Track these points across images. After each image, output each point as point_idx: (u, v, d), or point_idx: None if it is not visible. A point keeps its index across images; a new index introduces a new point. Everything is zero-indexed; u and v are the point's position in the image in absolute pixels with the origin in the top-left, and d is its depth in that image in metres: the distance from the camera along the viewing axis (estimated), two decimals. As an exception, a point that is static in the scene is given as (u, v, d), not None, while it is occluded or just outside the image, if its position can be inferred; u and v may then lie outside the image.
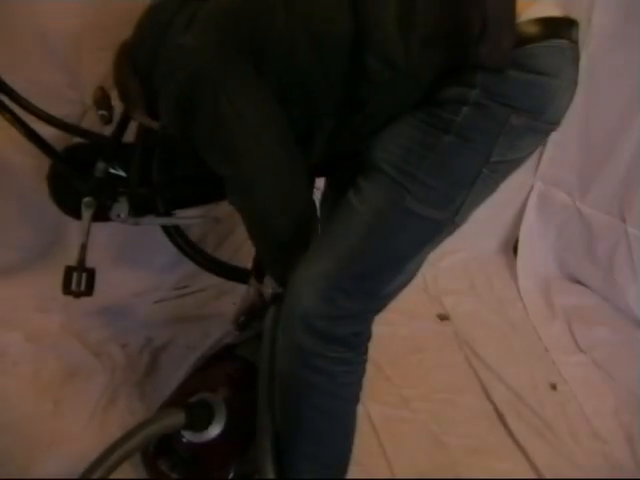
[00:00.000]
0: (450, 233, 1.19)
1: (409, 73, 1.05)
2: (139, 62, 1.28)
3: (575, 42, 1.10)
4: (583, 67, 2.39)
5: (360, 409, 1.67)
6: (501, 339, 2.25)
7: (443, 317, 2.33)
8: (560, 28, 1.08)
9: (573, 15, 2.30)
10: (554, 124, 1.13)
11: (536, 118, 1.07)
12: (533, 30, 1.03)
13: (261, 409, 1.33)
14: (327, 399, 1.23)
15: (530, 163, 2.68)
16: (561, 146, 2.63)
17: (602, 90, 2.48)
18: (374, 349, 1.93)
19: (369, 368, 1.86)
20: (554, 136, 2.54)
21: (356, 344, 1.22)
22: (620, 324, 2.45)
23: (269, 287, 1.49)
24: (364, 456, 1.58)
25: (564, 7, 2.29)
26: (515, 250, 2.78)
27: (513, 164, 1.15)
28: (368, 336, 1.26)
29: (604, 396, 2.03)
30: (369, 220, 1.13)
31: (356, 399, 1.30)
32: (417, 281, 2.41)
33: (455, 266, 2.67)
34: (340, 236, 1.17)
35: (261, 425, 1.31)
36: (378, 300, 1.23)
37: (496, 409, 1.90)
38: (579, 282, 2.72)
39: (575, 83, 1.13)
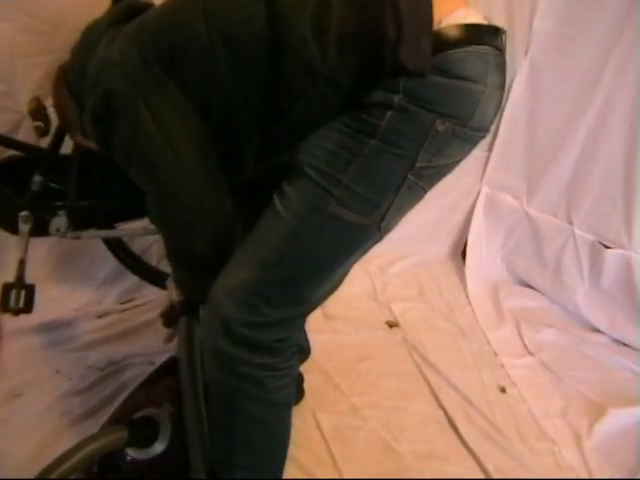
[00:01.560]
0: (377, 240, 1.19)
1: (327, 78, 1.07)
2: (73, 84, 1.30)
3: (499, 49, 1.11)
4: (526, 72, 2.53)
5: (309, 418, 1.70)
6: (450, 344, 2.30)
7: (392, 324, 2.36)
8: (483, 35, 1.08)
9: (515, 21, 2.41)
10: (481, 131, 1.13)
11: (462, 124, 1.08)
12: (455, 35, 1.04)
13: (189, 421, 1.33)
14: (256, 406, 1.23)
15: (477, 168, 2.76)
16: (507, 150, 2.71)
17: (546, 94, 2.56)
18: (323, 358, 1.97)
19: (318, 377, 1.90)
20: (500, 141, 2.68)
21: (281, 350, 1.21)
22: (568, 326, 2.52)
23: (173, 294, 1.51)
24: (314, 466, 1.61)
25: (506, 13, 2.40)
26: (464, 255, 2.83)
27: (440, 170, 1.15)
28: (294, 341, 1.24)
29: (552, 397, 2.09)
30: (293, 225, 1.12)
31: (287, 404, 1.30)
32: (366, 288, 2.51)
33: (404, 272, 2.72)
34: (263, 242, 1.17)
35: (191, 441, 1.32)
36: (302, 307, 1.22)
37: (446, 414, 1.93)
38: (527, 285, 2.79)
39: (501, 89, 1.14)
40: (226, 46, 1.10)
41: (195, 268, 1.31)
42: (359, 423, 1.83)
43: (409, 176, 1.09)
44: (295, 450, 1.55)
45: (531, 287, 2.77)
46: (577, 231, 2.56)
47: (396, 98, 1.04)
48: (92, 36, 1.27)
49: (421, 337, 2.29)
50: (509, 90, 2.60)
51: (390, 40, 1.01)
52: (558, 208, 2.62)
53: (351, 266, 1.26)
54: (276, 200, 1.16)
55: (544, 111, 2.58)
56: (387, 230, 1.17)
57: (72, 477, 1.23)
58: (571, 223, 2.58)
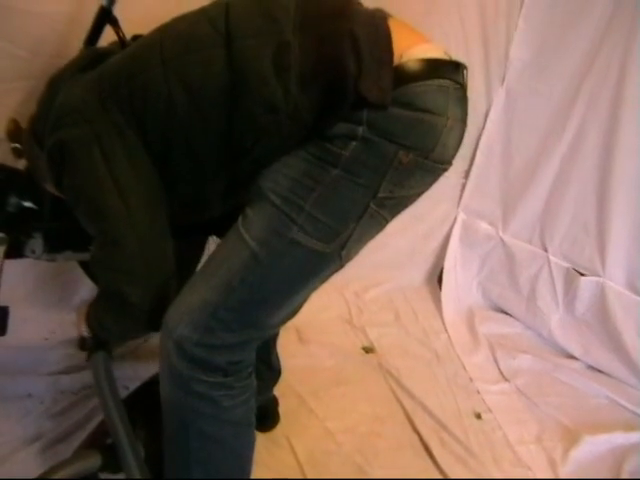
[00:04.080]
0: (338, 268, 1.20)
1: (289, 115, 1.10)
2: (39, 132, 1.33)
3: (460, 84, 1.13)
4: (502, 100, 2.60)
5: (283, 442, 1.71)
6: (426, 369, 2.33)
7: (368, 349, 2.39)
8: (443, 69, 1.11)
9: (491, 50, 2.48)
10: (443, 163, 1.16)
11: (424, 156, 1.10)
12: (416, 69, 1.08)
13: (123, 454, 1.31)
14: (212, 424, 1.22)
15: (453, 195, 2.82)
16: (483, 178, 2.78)
17: (521, 121, 2.65)
18: (297, 382, 1.99)
19: (292, 401, 1.91)
20: (476, 168, 2.75)
21: (234, 371, 1.21)
22: (543, 352, 2.58)
23: (82, 327, 1.51)
24: (288, 490, 1.61)
25: (483, 42, 2.48)
26: (440, 281, 2.88)
27: (402, 201, 1.17)
28: (248, 363, 1.24)
29: (527, 423, 2.13)
30: (254, 249, 1.13)
31: (246, 423, 1.28)
32: (341, 313, 2.54)
33: (380, 298, 2.75)
34: (223, 264, 1.18)
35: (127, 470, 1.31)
36: (258, 331, 1.23)
37: (421, 439, 1.95)
38: (503, 311, 2.85)
39: (463, 122, 1.17)
40: (185, 91, 1.14)
41: (122, 316, 1.31)
42: (333, 448, 1.85)
43: (371, 205, 1.12)
44: (268, 474, 1.57)
45: (506, 313, 2.83)
46: (552, 258, 2.63)
47: (360, 129, 1.07)
48: (56, 86, 1.32)
49: (396, 362, 2.32)
50: (486, 117, 2.68)
51: (351, 74, 1.05)
52: (533, 235, 2.69)
53: (311, 292, 1.26)
54: (239, 223, 1.17)
55: (519, 138, 2.67)
56: (348, 258, 1.19)
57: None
58: (546, 250, 2.65)
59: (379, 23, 1.12)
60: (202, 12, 1.21)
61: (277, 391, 1.83)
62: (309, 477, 1.70)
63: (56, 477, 1.27)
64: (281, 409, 1.86)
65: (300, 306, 1.33)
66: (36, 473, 1.29)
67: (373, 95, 1.05)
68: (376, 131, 1.07)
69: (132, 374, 1.85)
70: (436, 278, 2.94)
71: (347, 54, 1.06)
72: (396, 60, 1.07)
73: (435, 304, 2.80)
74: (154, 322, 1.25)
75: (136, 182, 1.21)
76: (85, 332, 1.51)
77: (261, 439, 1.36)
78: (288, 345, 1.87)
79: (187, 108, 1.15)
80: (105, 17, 1.59)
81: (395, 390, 2.16)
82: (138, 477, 1.28)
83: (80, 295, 2.12)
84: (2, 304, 1.67)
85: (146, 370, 1.76)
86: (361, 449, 1.86)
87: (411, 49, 1.09)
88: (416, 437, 1.96)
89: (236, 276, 1.14)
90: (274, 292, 1.18)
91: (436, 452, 1.89)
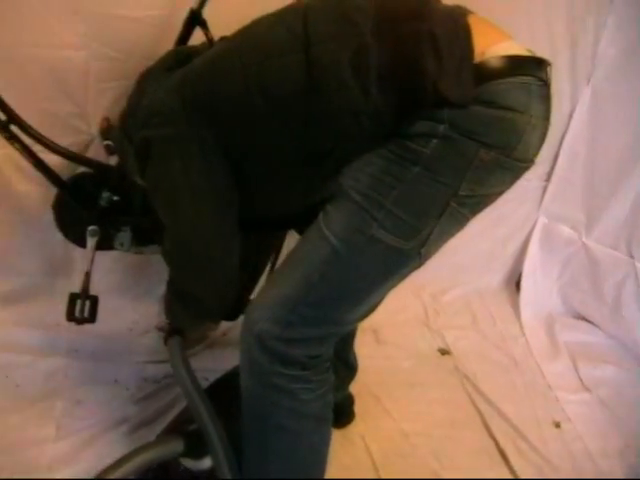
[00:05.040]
0: (417, 266, 1.21)
1: (370, 117, 1.11)
2: (128, 128, 1.42)
3: (544, 81, 1.12)
4: (588, 101, 2.53)
5: (358, 441, 1.72)
6: (503, 375, 2.29)
7: (444, 352, 2.38)
8: (526, 66, 1.11)
9: (579, 47, 2.42)
10: (525, 162, 1.16)
11: (505, 154, 1.10)
12: (497, 66, 1.08)
13: (209, 437, 1.38)
14: (290, 417, 1.26)
15: (534, 198, 2.77)
16: (566, 180, 2.70)
17: (608, 123, 2.55)
18: (373, 382, 2.00)
19: (368, 401, 1.92)
20: (559, 170, 2.69)
21: (313, 365, 1.24)
22: (627, 362, 2.48)
23: (162, 316, 1.62)
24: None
25: (569, 41, 2.42)
26: (518, 285, 2.83)
27: (483, 199, 1.18)
28: (326, 358, 1.28)
29: (610, 436, 2.05)
30: (335, 245, 1.15)
31: (323, 417, 1.31)
32: (418, 315, 2.53)
33: (457, 300, 2.73)
34: (304, 259, 1.21)
35: (214, 454, 1.37)
36: (337, 327, 1.26)
37: (497, 445, 1.92)
38: (584, 319, 2.76)
39: (546, 120, 1.16)
40: (263, 96, 1.17)
41: (189, 306, 1.41)
42: (408, 450, 1.84)
43: (452, 203, 1.12)
44: (343, 471, 1.60)
45: (588, 321, 2.74)
46: (638, 265, 2.52)
47: (441, 127, 1.07)
48: (144, 83, 1.42)
49: (473, 366, 2.30)
50: (570, 118, 2.61)
51: (430, 74, 1.06)
52: (618, 241, 2.59)
53: (389, 290, 1.28)
54: (320, 220, 1.20)
55: (605, 140, 2.57)
56: (427, 256, 1.20)
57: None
58: (632, 256, 2.54)
59: (459, 20, 1.13)
60: (280, 16, 1.24)
61: (353, 390, 1.86)
62: (383, 478, 1.71)
63: (141, 458, 1.33)
64: (356, 408, 1.88)
65: (378, 303, 1.35)
66: (121, 454, 1.35)
67: (454, 94, 1.05)
68: (457, 129, 1.07)
69: (212, 366, 1.91)
70: (514, 282, 2.89)
71: (426, 55, 1.06)
72: (477, 57, 1.08)
73: (513, 308, 2.75)
74: (219, 313, 1.31)
75: (209, 185, 1.26)
76: (164, 320, 1.61)
77: (336, 436, 1.38)
78: (365, 346, 1.88)
79: (266, 113, 1.18)
80: (195, 19, 1.67)
81: (471, 394, 2.14)
82: (225, 463, 1.34)
83: (163, 289, 2.19)
84: (92, 293, 1.78)
85: (225, 363, 1.81)
86: (436, 453, 1.85)
87: (493, 46, 1.09)
88: (492, 443, 1.93)
89: (316, 272, 1.17)
90: (353, 288, 1.20)
91: (513, 460, 1.86)
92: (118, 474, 1.30)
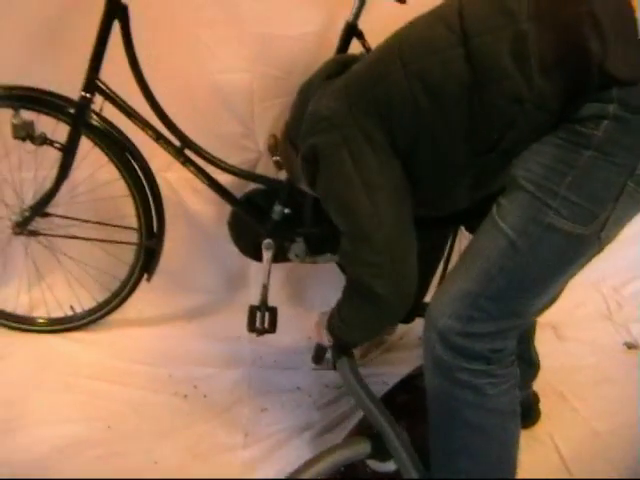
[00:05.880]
0: (596, 252, 1.20)
1: (535, 104, 1.12)
2: (293, 138, 1.51)
3: None
4: None
5: (547, 440, 1.70)
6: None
7: (631, 345, 2.26)
8: None
9: None
10: None
11: None
12: None
13: (393, 449, 1.41)
14: (476, 413, 1.27)
15: None
16: None
17: None
18: (557, 380, 1.96)
19: (553, 399, 1.89)
20: None
21: (497, 359, 1.25)
22: None
23: (324, 338, 1.64)
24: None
25: None
26: None
27: None
28: (510, 351, 1.28)
29: None
30: (511, 237, 1.16)
31: (510, 412, 1.31)
32: (599, 308, 2.45)
33: (640, 292, 2.60)
34: (481, 254, 1.22)
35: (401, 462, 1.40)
36: (519, 319, 1.26)
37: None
38: None
39: None
40: (426, 92, 1.20)
41: (368, 307, 1.40)
42: (600, 450, 1.77)
43: (629, 184, 1.10)
44: (532, 471, 1.57)
45: None
46: None
47: (611, 108, 1.05)
48: (306, 93, 1.48)
49: (665, 360, 2.17)
50: None
51: (595, 55, 1.04)
52: None
53: (569, 279, 1.27)
54: (494, 213, 1.21)
55: None
56: (607, 241, 1.18)
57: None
58: None
59: None
60: (435, 14, 1.27)
61: (536, 389, 1.83)
62: (576, 478, 1.67)
63: (331, 458, 1.40)
64: (542, 407, 1.85)
65: (558, 294, 1.34)
66: (307, 458, 1.43)
67: (622, 73, 1.04)
68: (628, 107, 1.05)
69: (390, 371, 1.97)
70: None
71: (589, 37, 1.05)
72: None
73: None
74: (401, 313, 1.35)
75: (383, 181, 1.30)
76: (326, 341, 1.65)
77: (523, 436, 1.36)
78: (545, 343, 1.84)
79: (430, 109, 1.21)
80: (351, 31, 1.75)
81: (663, 390, 2.03)
82: (409, 463, 1.38)
83: (338, 297, 2.28)
84: (271, 305, 1.91)
85: (403, 367, 1.86)
86: (632, 454, 1.77)
87: None
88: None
89: (495, 265, 1.18)
90: (533, 279, 1.20)
91: None
92: (310, 474, 1.37)
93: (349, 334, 1.57)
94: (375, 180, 1.29)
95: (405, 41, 1.29)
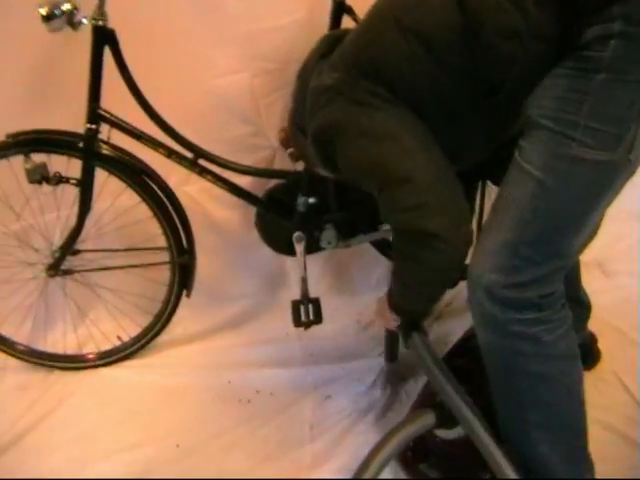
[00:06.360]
0: (629, 175, 1.19)
1: (534, 35, 1.12)
2: (300, 122, 1.53)
3: None
4: None
5: (613, 380, 1.68)
6: None
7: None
8: None
9: None
10: None
11: None
12: None
13: (459, 409, 1.39)
14: (536, 362, 1.27)
15: None
16: None
17: None
18: (612, 316, 1.96)
19: (612, 336, 1.88)
20: None
21: (548, 304, 1.24)
22: None
23: (391, 323, 1.61)
24: (627, 427, 1.61)
25: None
26: None
27: None
28: (560, 294, 1.27)
29: None
30: (539, 177, 1.16)
31: (570, 355, 1.31)
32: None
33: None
34: (512, 201, 1.22)
35: (469, 426, 1.37)
36: (563, 259, 1.25)
37: None
38: None
39: None
40: (422, 43, 1.22)
41: (426, 256, 1.31)
42: None
43: None
44: (602, 413, 1.58)
45: None
46: None
47: (615, 25, 1.04)
48: (304, 77, 1.50)
49: None
50: None
51: None
52: None
53: (605, 209, 1.25)
54: (517, 157, 1.21)
55: None
56: (638, 162, 1.17)
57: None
58: None
59: None
60: None
61: (592, 329, 1.83)
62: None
63: (398, 438, 1.40)
64: (600, 346, 1.85)
65: (597, 227, 1.33)
66: (375, 440, 1.43)
67: None
68: (632, 22, 1.04)
69: (441, 339, 2.00)
70: None
71: None
72: None
73: None
74: (461, 252, 1.32)
75: (403, 129, 1.29)
76: (393, 323, 1.61)
77: (586, 378, 1.35)
78: (593, 281, 1.81)
79: (428, 59, 1.22)
80: (340, 8, 1.77)
81: None
82: (478, 426, 1.37)
83: (377, 275, 2.33)
84: (313, 296, 1.94)
85: (455, 332, 1.89)
86: None
87: None
88: None
89: (528, 209, 1.18)
90: (569, 215, 1.19)
91: None
92: (382, 456, 1.39)
93: (415, 299, 1.50)
94: (397, 129, 1.29)
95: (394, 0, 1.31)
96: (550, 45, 1.13)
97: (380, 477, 1.35)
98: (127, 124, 1.80)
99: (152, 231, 2.04)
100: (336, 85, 1.34)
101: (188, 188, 2.17)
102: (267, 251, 2.06)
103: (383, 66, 1.28)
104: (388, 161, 1.29)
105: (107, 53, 1.71)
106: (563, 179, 1.15)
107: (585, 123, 1.10)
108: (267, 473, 1.69)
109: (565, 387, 1.31)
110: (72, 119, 1.78)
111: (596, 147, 1.11)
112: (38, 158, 1.82)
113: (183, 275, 2.05)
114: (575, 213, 1.19)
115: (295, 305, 1.91)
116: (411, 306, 1.53)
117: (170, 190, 1.95)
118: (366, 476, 1.34)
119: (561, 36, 1.11)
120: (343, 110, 1.32)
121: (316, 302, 1.90)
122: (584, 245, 1.32)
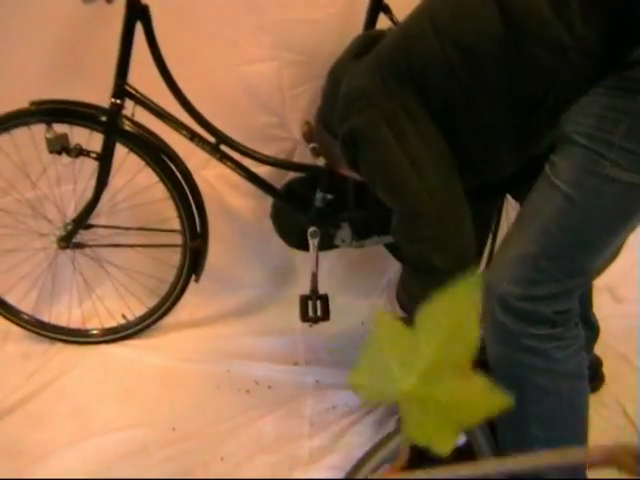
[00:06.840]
0: None
1: (579, 52, 1.11)
2: (328, 121, 1.53)
3: None
4: None
5: (614, 405, 1.69)
6: None
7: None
8: None
9: None
10: None
11: None
12: None
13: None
14: (546, 377, 1.27)
15: None
16: None
17: None
18: (617, 342, 1.96)
19: (615, 362, 1.89)
20: None
21: (562, 321, 1.25)
22: None
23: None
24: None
25: None
26: None
27: None
28: (575, 312, 1.28)
29: None
30: (568, 193, 1.15)
31: (579, 375, 1.31)
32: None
33: None
34: (537, 214, 1.22)
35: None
36: (582, 278, 1.25)
37: None
38: None
39: None
40: (461, 54, 1.21)
41: (429, 284, 1.30)
42: None
43: None
44: (601, 436, 1.58)
45: None
46: None
47: None
48: (336, 75, 1.49)
49: None
50: None
51: None
52: None
53: (630, 232, 1.25)
54: (547, 171, 1.21)
55: None
56: None
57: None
58: None
59: None
60: None
61: (597, 352, 1.83)
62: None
63: (388, 448, 1.41)
64: (605, 370, 1.85)
65: (618, 251, 1.33)
66: (373, 442, 1.46)
67: None
68: None
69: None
70: None
71: None
72: None
73: None
74: None
75: (427, 152, 1.30)
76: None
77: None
78: (603, 306, 1.83)
79: (466, 71, 1.22)
80: (377, 6, 1.76)
81: None
82: (480, 435, 1.39)
83: (388, 277, 2.34)
84: (321, 293, 1.95)
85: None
86: None
87: None
88: None
89: (553, 223, 1.19)
90: (594, 234, 1.20)
91: None
92: (377, 459, 1.38)
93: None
94: (419, 152, 1.29)
95: (435, 7, 1.29)
96: (594, 63, 1.13)
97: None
98: (152, 103, 1.81)
99: (166, 213, 2.05)
100: (369, 95, 1.33)
101: (206, 173, 2.19)
102: (279, 243, 2.07)
103: (419, 75, 1.28)
104: (405, 189, 1.31)
105: (139, 30, 1.72)
106: (592, 196, 1.15)
107: (620, 143, 1.10)
108: (263, 464, 1.71)
109: (571, 405, 1.32)
110: (98, 93, 1.79)
111: (629, 169, 1.11)
112: (60, 128, 1.83)
113: (194, 259, 2.07)
114: (600, 232, 1.20)
115: (303, 300, 1.93)
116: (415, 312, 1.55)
117: (189, 173, 1.97)
118: (358, 476, 1.36)
119: (606, 55, 1.11)
120: (373, 124, 1.32)
121: (324, 299, 1.91)
122: (603, 267, 1.33)
